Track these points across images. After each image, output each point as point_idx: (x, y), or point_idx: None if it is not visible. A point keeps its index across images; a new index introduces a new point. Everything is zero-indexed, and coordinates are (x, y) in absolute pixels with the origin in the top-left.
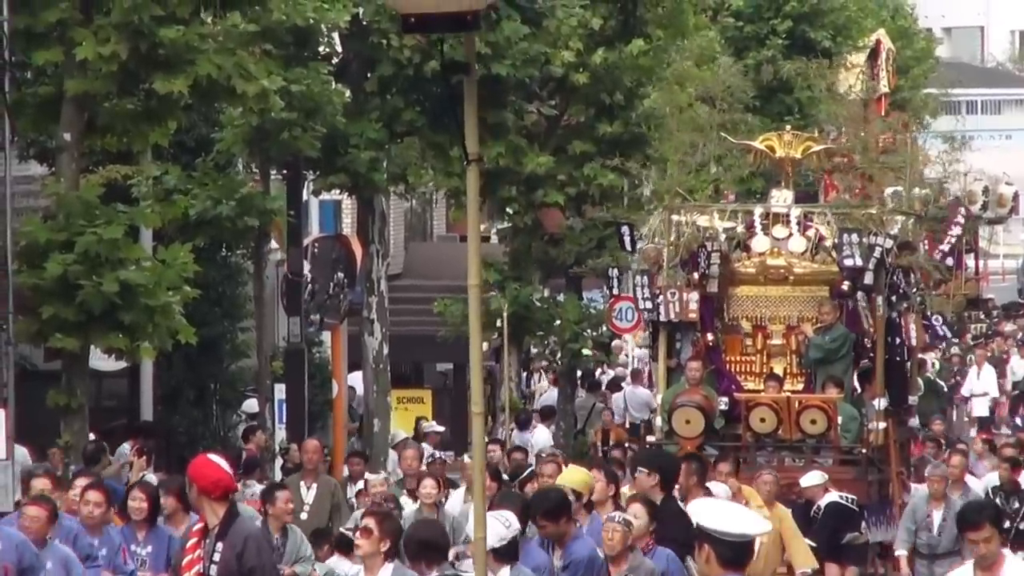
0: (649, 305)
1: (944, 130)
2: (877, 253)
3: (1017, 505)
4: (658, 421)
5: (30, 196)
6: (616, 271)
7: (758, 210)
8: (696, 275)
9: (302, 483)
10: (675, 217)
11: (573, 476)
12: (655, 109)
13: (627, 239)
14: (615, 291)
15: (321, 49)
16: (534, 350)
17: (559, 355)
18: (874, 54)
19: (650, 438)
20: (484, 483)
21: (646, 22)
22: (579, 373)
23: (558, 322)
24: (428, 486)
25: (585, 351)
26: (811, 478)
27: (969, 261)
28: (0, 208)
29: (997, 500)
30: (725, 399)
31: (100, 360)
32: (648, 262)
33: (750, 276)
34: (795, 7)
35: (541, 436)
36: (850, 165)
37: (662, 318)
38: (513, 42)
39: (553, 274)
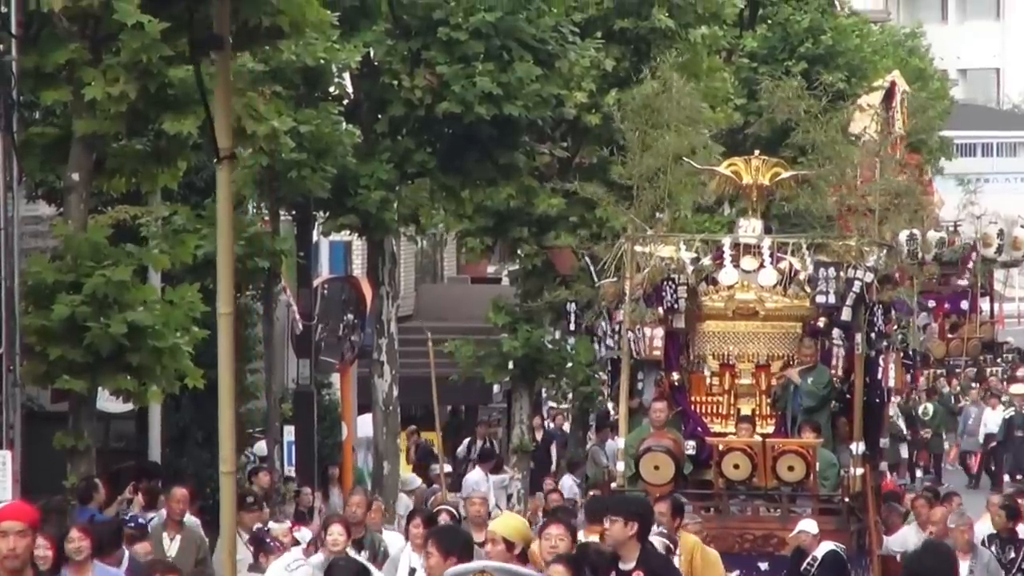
0: (609, 342)
1: (954, 171)
2: (856, 288)
3: (1013, 555)
4: (620, 467)
5: (38, 237)
6: (575, 306)
7: (727, 241)
8: (661, 310)
9: (165, 534)
10: (638, 248)
11: (507, 523)
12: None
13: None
14: (572, 327)
15: (331, 89)
16: (545, 393)
17: (571, 396)
18: (889, 96)
19: (612, 485)
20: (234, 544)
21: (659, 63)
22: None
23: (570, 364)
24: (335, 532)
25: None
26: (807, 525)
27: (984, 304)
28: (7, 248)
29: (992, 549)
30: (692, 443)
31: (107, 401)
32: (607, 298)
33: (717, 311)
34: (809, 48)
35: (474, 477)
36: (863, 206)
37: (623, 356)
38: (525, 83)
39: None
